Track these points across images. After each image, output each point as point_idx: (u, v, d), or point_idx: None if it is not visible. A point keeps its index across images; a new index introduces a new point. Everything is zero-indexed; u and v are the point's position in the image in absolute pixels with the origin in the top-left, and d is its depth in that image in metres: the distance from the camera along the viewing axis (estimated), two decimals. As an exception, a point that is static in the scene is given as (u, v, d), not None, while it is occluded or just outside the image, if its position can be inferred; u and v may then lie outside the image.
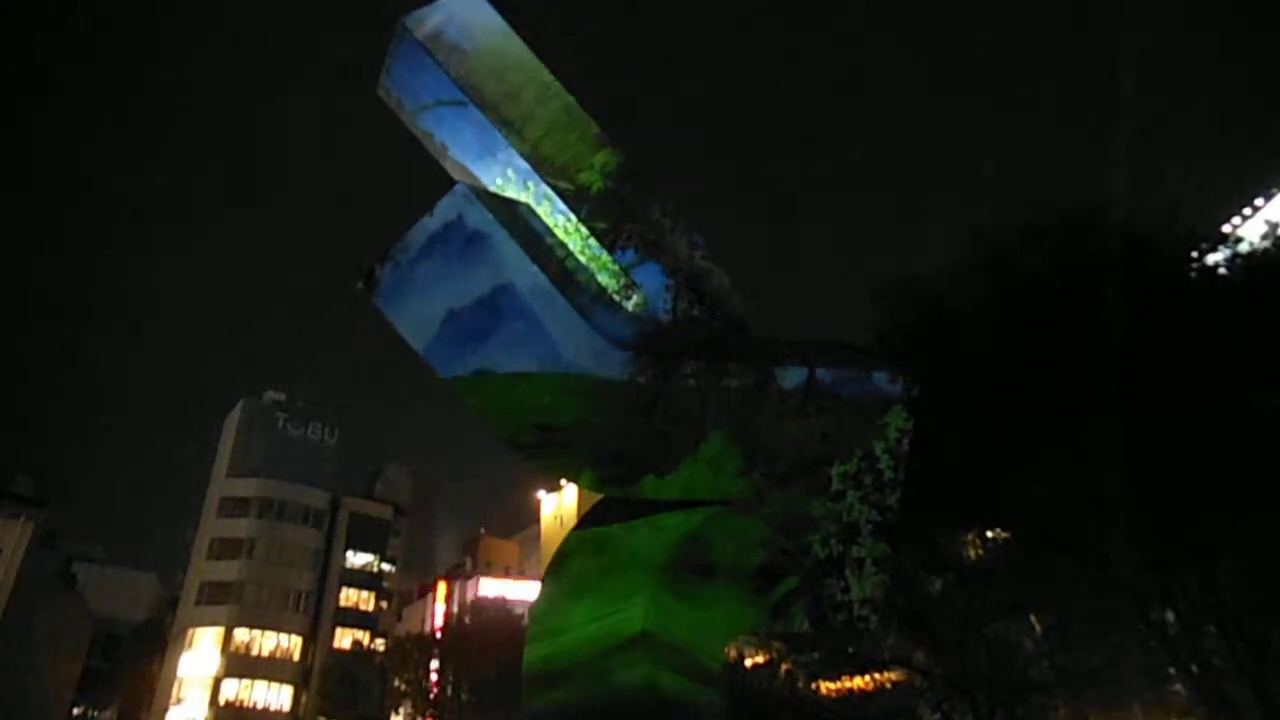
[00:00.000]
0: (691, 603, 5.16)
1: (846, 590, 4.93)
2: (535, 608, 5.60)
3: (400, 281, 5.35)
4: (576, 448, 5.45)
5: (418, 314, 5.40)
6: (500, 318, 5.28)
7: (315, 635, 67.17)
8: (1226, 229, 17.81)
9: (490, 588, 61.26)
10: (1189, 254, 14.07)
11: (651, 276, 6.09)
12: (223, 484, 72.12)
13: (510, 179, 5.97)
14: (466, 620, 50.41)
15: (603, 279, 6.02)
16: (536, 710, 5.08)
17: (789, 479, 5.25)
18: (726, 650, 7.66)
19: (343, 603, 70.36)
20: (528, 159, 5.76)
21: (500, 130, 5.75)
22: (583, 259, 5.99)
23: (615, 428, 5.45)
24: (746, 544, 5.19)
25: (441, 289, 5.37)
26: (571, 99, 6.11)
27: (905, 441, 5.36)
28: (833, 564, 4.95)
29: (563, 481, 56.07)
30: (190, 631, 64.87)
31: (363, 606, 71.40)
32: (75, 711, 69.87)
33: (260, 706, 63.29)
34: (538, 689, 5.10)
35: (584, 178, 5.94)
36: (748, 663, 22.15)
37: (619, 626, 5.03)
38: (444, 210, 5.52)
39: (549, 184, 5.88)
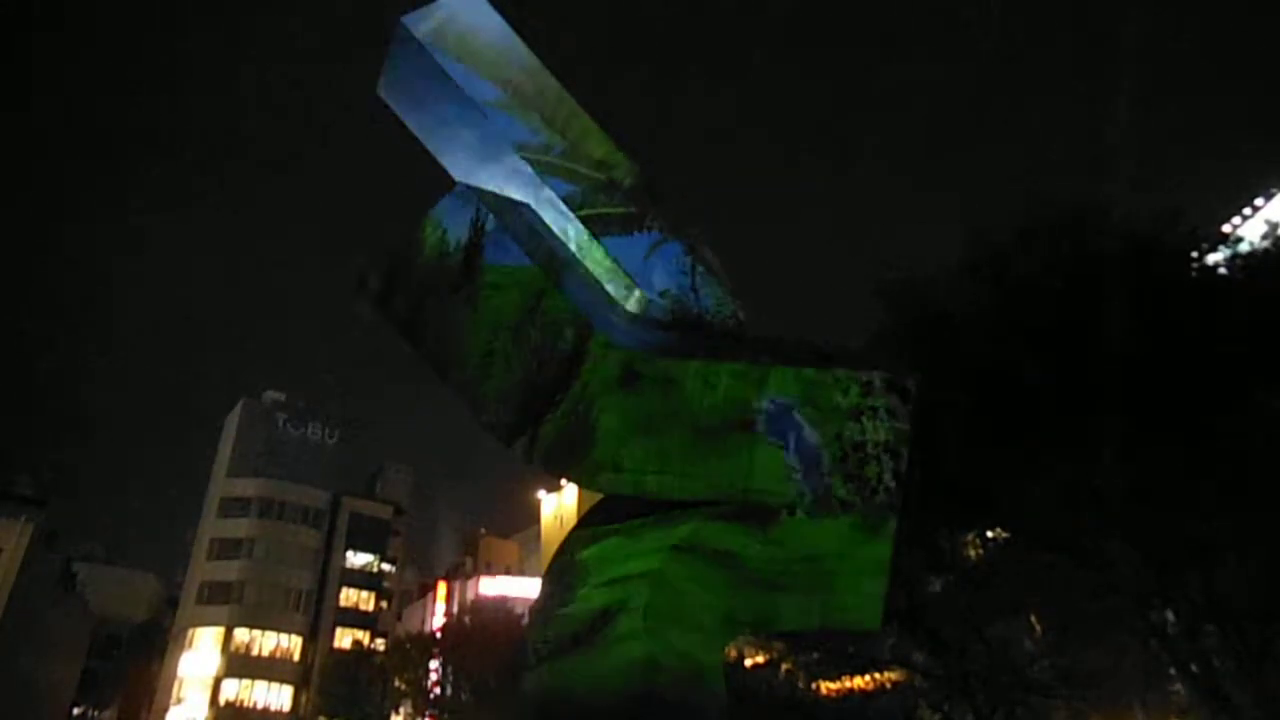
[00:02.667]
0: (694, 593, 5.20)
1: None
2: (535, 606, 5.61)
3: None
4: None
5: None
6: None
7: (315, 635, 67.12)
8: (1226, 229, 17.78)
9: (490, 587, 61.30)
10: (1189, 254, 14.07)
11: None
12: (223, 484, 72.07)
13: (513, 181, 5.97)
14: (466, 620, 50.38)
15: (606, 281, 6.03)
16: (532, 690, 5.12)
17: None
18: (727, 650, 7.71)
19: (343, 603, 70.30)
20: (531, 164, 5.80)
21: (502, 133, 5.75)
22: (586, 261, 6.00)
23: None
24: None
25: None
26: (573, 100, 6.13)
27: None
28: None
29: (563, 481, 56.09)
30: (190, 631, 64.88)
31: (363, 606, 71.35)
32: (75, 711, 69.78)
33: (260, 706, 63.28)
34: (533, 671, 5.16)
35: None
36: (748, 663, 22.16)
37: (619, 615, 5.08)
38: (442, 210, 5.58)
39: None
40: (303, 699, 63.38)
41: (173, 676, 63.75)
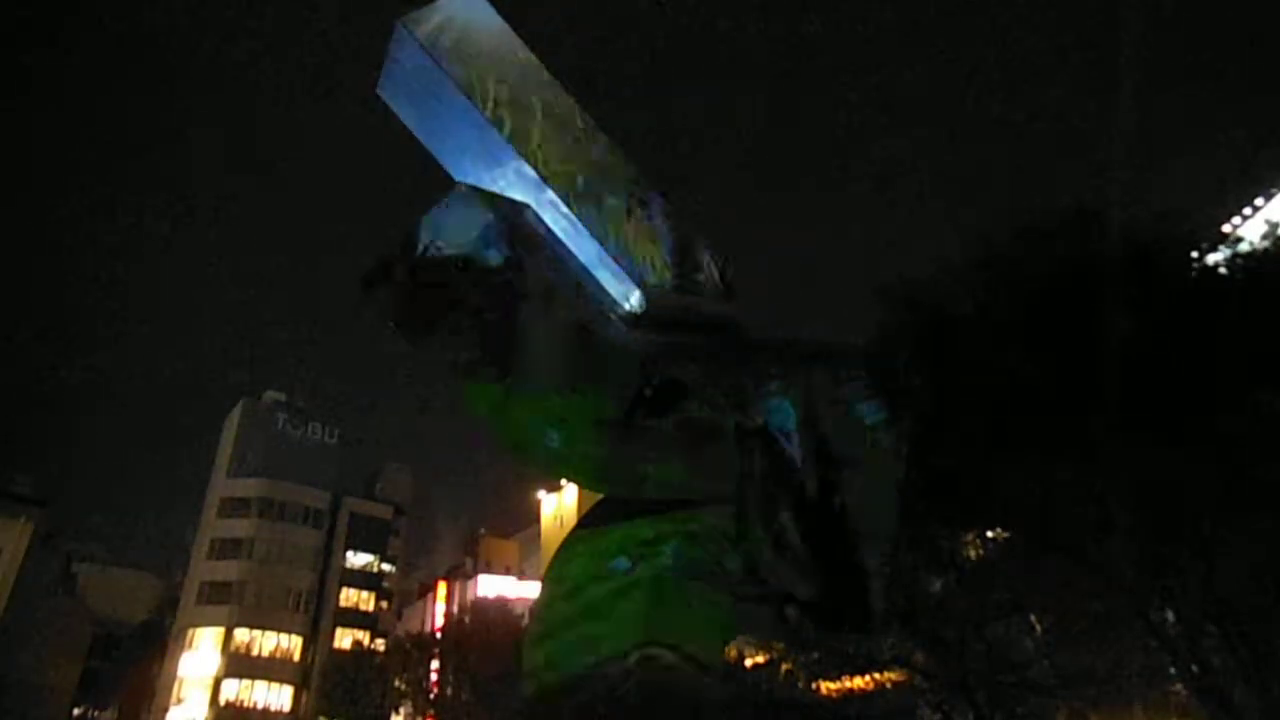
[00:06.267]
0: (696, 592, 5.20)
1: None
2: (535, 608, 5.61)
3: None
4: None
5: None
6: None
7: (315, 635, 67.09)
8: (1226, 229, 17.78)
9: (490, 587, 61.32)
10: (1189, 254, 14.08)
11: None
12: (223, 484, 72.03)
13: (514, 182, 5.96)
14: (466, 620, 50.41)
15: (606, 282, 6.03)
16: (531, 690, 5.13)
17: None
18: (726, 651, 7.72)
19: (343, 603, 70.27)
20: (532, 164, 5.78)
21: (502, 133, 5.74)
22: (585, 263, 6.00)
23: None
24: None
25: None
26: (574, 103, 6.11)
27: None
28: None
29: (563, 481, 56.10)
30: (190, 631, 64.83)
31: (363, 606, 71.33)
32: (75, 711, 69.81)
33: (260, 706, 63.25)
34: (534, 683, 5.15)
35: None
36: (748, 663, 22.17)
37: (620, 616, 5.08)
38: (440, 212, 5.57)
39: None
40: (303, 699, 63.38)
41: (173, 676, 63.68)
